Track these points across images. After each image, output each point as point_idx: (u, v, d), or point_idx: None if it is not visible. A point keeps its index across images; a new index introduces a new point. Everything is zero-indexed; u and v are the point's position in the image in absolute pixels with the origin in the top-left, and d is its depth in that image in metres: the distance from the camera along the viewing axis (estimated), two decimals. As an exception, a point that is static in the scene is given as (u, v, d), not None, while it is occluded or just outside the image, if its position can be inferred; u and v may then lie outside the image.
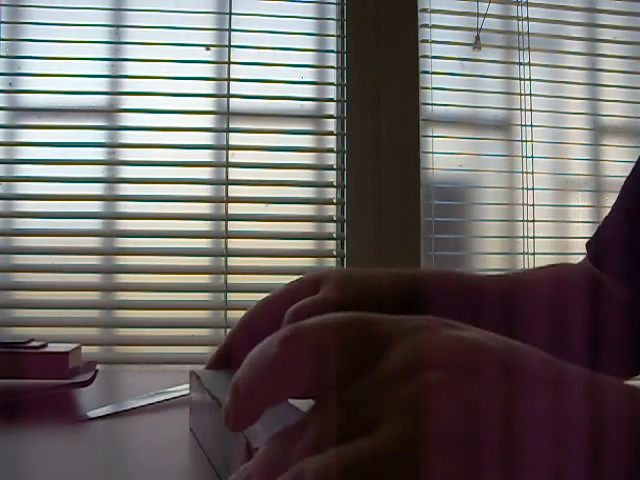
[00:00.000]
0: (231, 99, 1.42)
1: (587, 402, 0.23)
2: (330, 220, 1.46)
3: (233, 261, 1.39)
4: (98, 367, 0.63)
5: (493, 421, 0.21)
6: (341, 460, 0.21)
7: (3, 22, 1.37)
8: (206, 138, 1.43)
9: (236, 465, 0.31)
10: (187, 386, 0.55)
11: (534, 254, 1.48)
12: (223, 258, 1.39)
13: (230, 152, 1.40)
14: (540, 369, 0.24)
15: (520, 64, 1.51)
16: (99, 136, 1.40)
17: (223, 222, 1.40)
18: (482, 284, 0.50)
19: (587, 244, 0.57)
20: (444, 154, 1.47)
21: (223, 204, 1.40)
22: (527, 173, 1.49)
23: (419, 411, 0.21)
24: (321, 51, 1.48)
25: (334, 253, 1.44)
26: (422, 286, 0.47)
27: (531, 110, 1.50)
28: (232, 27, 1.42)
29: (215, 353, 0.51)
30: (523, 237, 1.49)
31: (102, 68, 1.40)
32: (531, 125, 1.50)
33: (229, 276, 1.38)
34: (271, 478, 0.22)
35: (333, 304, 0.42)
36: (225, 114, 1.42)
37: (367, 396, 0.23)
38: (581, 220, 1.52)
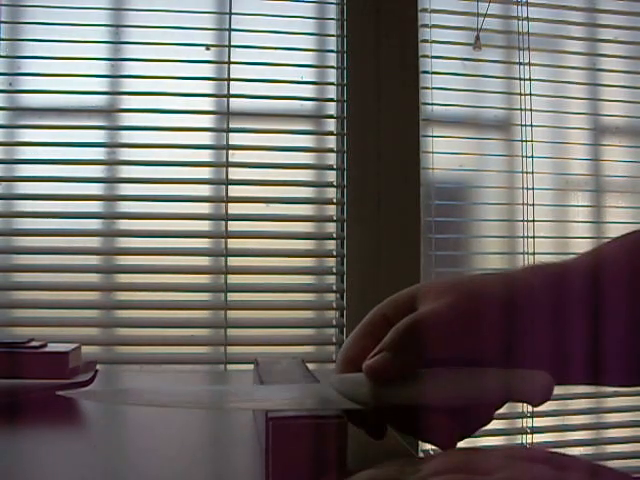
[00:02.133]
0: (231, 99, 1.42)
1: None
2: (330, 220, 1.46)
3: (233, 261, 1.39)
4: (98, 367, 0.63)
5: None
6: None
7: (3, 22, 1.37)
8: (206, 138, 1.43)
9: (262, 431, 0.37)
10: None
11: (534, 254, 1.48)
12: (223, 258, 1.39)
13: (230, 152, 1.40)
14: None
15: (520, 64, 1.51)
16: (99, 136, 1.40)
17: (223, 222, 1.40)
18: (567, 269, 0.48)
19: None
20: (444, 154, 1.47)
21: (223, 204, 1.40)
22: (527, 173, 1.49)
23: None
24: (321, 51, 1.48)
25: (334, 253, 1.44)
26: (518, 284, 0.46)
27: (531, 110, 1.50)
28: (232, 27, 1.42)
29: None
30: (523, 237, 1.49)
31: (102, 68, 1.40)
32: (531, 125, 1.50)
33: (229, 276, 1.38)
34: None
35: (435, 319, 0.42)
36: (225, 114, 1.42)
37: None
38: (581, 220, 1.52)
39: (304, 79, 1.46)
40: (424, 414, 0.40)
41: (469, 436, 0.43)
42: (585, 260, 0.50)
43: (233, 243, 1.39)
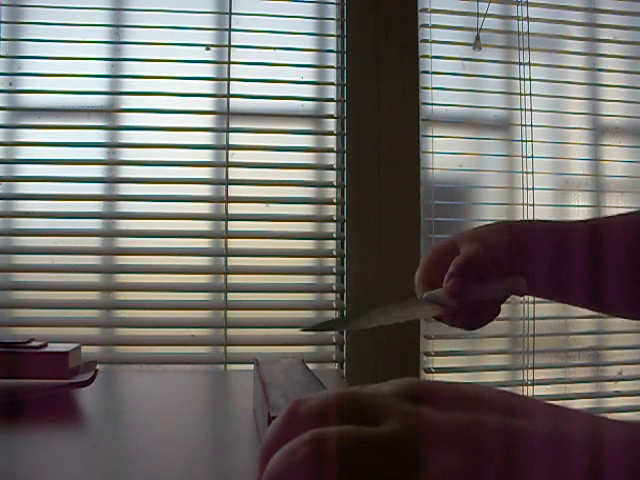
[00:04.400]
0: (231, 99, 1.42)
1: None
2: (330, 220, 1.46)
3: (233, 261, 1.39)
4: (98, 367, 0.64)
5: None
6: (354, 436, 0.26)
7: (3, 22, 1.37)
8: (206, 138, 1.43)
9: (263, 430, 0.38)
10: None
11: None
12: (223, 258, 1.39)
13: (230, 152, 1.41)
14: (522, 405, 0.30)
15: (520, 64, 1.51)
16: (99, 136, 1.40)
17: (223, 222, 1.40)
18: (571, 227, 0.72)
19: None
20: (444, 154, 1.47)
21: (223, 204, 1.40)
22: (527, 173, 1.49)
23: (412, 423, 0.27)
24: (321, 51, 1.48)
25: (334, 253, 1.44)
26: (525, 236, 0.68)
27: (531, 110, 1.50)
28: (232, 27, 1.42)
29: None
30: (523, 237, 1.48)
31: (102, 68, 1.40)
32: (531, 125, 1.50)
33: (229, 276, 1.38)
34: (281, 439, 0.27)
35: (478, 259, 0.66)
36: (225, 114, 1.42)
37: (376, 400, 0.28)
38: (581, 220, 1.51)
39: (304, 79, 1.46)
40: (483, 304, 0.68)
41: (486, 324, 0.69)
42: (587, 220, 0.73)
43: (233, 243, 1.39)
